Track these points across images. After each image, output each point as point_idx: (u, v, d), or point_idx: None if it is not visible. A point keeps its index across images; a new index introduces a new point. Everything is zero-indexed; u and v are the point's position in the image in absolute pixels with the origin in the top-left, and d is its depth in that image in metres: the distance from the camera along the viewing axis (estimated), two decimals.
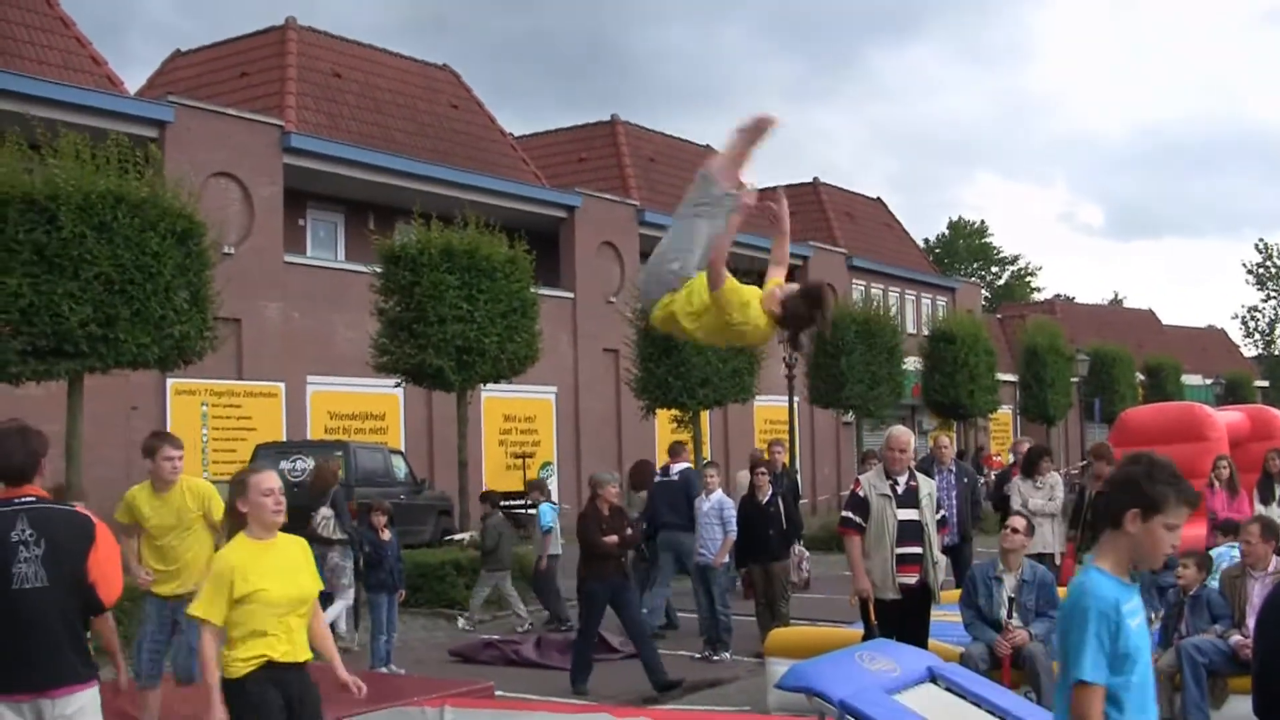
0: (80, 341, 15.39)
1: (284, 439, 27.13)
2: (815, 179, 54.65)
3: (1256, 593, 10.09)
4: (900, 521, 10.46)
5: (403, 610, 18.54)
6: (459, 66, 39.73)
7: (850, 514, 10.69)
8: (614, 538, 13.40)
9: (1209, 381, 64.28)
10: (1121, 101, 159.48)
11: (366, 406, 31.05)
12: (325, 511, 15.77)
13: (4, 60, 25.40)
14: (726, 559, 15.64)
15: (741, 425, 40.56)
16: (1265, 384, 76.62)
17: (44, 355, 15.43)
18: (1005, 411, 48.68)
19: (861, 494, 10.66)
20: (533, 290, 21.53)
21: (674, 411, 25.42)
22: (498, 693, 11.96)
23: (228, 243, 25.87)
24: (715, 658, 15.19)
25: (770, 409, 40.12)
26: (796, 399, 34.12)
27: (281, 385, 28.90)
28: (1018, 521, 11.07)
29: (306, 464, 23.45)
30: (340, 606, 15.86)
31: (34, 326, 15.14)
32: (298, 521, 13.63)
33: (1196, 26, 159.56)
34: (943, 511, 11.00)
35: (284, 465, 23.45)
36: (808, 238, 48.34)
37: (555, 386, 35.36)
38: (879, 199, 59.93)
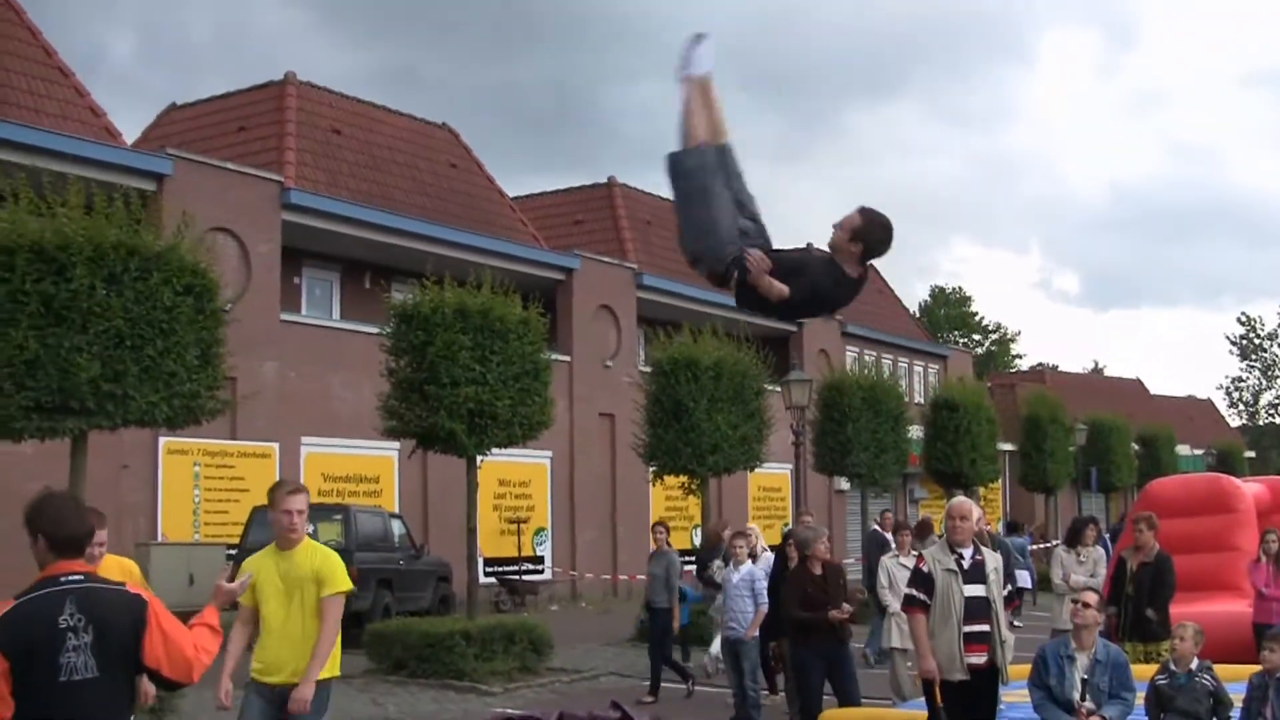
0: (87, 398, 14.66)
1: None
2: (809, 244, 54.12)
3: None
4: (967, 598, 9.93)
5: (410, 682, 18.04)
6: (434, 118, 39.29)
7: (915, 591, 10.10)
8: (835, 612, 12.81)
9: (1199, 451, 64.05)
10: (1099, 166, 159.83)
11: (361, 469, 30.37)
12: (719, 563, 18.22)
13: (1, 110, 24.87)
14: (757, 633, 15.02)
15: (735, 492, 39.90)
16: (1252, 454, 76.43)
17: (49, 411, 14.65)
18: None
19: (926, 569, 10.10)
20: (545, 354, 20.98)
21: (681, 478, 24.89)
22: None
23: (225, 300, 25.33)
24: None
25: (764, 476, 39.52)
26: (796, 466, 33.62)
27: (276, 446, 28.23)
28: (1089, 596, 10.46)
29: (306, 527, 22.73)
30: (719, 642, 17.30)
31: (39, 381, 14.40)
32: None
33: (1176, 91, 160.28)
34: (1009, 587, 10.43)
35: None
36: None
37: (550, 450, 34.65)
38: (870, 264, 59.46)
